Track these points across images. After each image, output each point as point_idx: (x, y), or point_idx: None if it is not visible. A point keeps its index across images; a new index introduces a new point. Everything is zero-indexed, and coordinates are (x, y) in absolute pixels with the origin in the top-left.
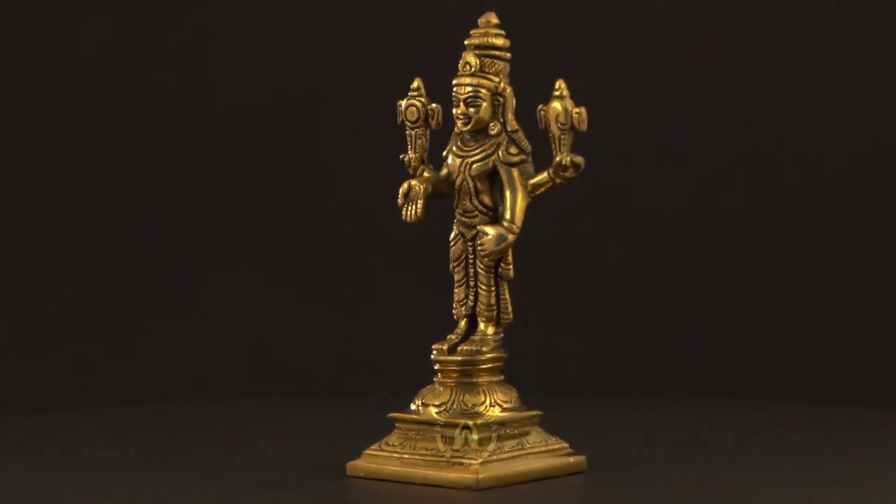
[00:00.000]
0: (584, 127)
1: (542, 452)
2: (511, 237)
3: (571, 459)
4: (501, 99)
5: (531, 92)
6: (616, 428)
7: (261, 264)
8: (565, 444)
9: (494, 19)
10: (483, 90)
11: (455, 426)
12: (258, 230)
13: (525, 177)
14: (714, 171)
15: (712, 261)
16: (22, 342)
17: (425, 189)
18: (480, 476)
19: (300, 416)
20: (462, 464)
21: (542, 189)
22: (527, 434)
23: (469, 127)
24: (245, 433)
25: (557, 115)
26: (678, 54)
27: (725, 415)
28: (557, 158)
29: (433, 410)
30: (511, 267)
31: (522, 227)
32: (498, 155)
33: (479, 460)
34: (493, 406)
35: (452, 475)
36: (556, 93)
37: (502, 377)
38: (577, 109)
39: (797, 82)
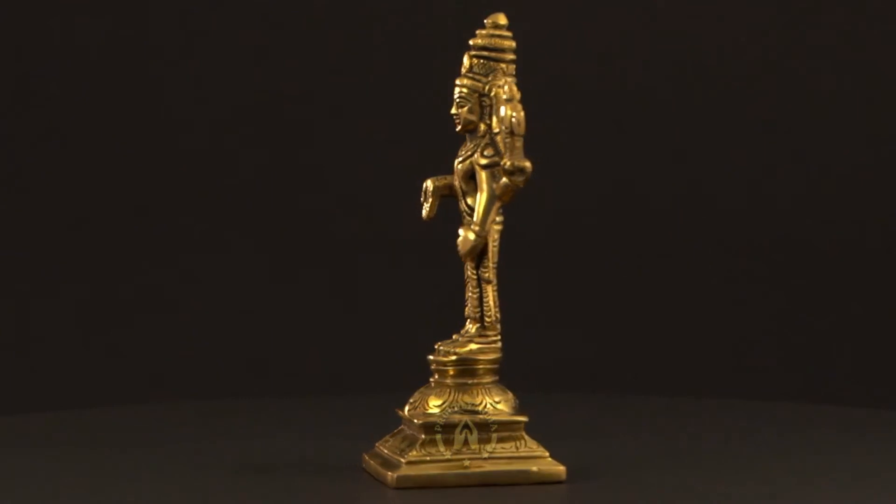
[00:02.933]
0: (520, 131)
1: (503, 459)
2: (476, 239)
3: (535, 468)
4: (487, 101)
5: (534, 92)
6: (612, 429)
7: (261, 264)
8: (545, 453)
9: (501, 20)
10: (470, 91)
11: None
12: (258, 230)
13: (499, 179)
14: (714, 171)
15: (712, 261)
16: (22, 342)
17: (437, 189)
18: (396, 475)
19: (300, 416)
20: (400, 463)
21: (508, 194)
22: (500, 440)
23: (460, 128)
24: (245, 433)
25: (501, 119)
26: (678, 54)
27: (725, 415)
28: (501, 162)
29: (406, 408)
30: (489, 269)
31: (488, 229)
32: (474, 156)
33: (405, 461)
34: (454, 407)
35: (384, 473)
36: (504, 96)
37: (487, 379)
38: (514, 113)
39: (798, 82)
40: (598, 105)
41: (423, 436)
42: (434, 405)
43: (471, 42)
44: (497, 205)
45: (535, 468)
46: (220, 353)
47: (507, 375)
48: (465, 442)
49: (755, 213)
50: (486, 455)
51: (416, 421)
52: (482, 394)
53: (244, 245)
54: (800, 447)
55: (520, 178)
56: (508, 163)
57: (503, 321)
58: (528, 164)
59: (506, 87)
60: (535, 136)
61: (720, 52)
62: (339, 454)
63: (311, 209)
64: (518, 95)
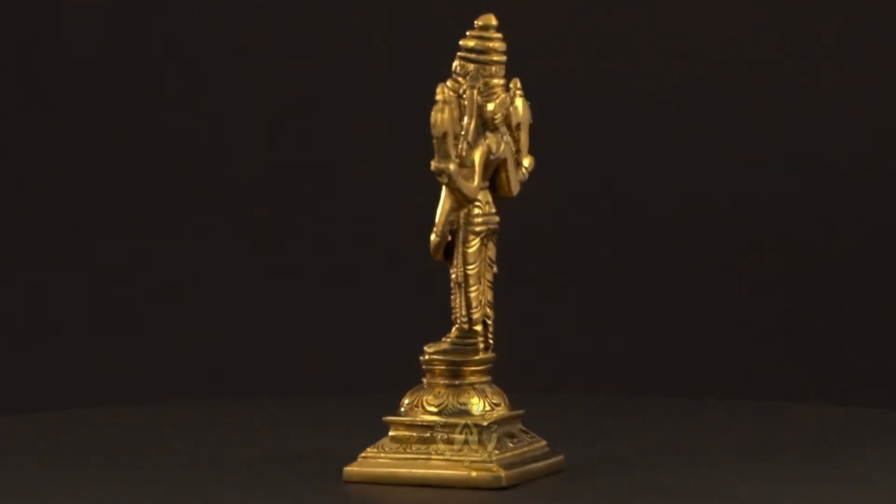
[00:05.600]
0: (433, 133)
1: (447, 460)
2: (434, 239)
3: (473, 473)
4: (463, 101)
5: (534, 92)
6: (612, 429)
7: (261, 264)
8: (491, 458)
9: (485, 22)
10: (451, 92)
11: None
12: (258, 230)
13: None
14: (714, 171)
15: (712, 261)
16: (22, 342)
17: None
18: (346, 469)
19: (300, 416)
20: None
21: (453, 195)
22: (448, 441)
23: None
24: (245, 433)
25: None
26: (678, 54)
27: (725, 415)
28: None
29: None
30: (457, 271)
31: (443, 230)
32: None
33: (360, 456)
34: (417, 407)
35: (353, 469)
36: (437, 98)
37: (462, 381)
38: (432, 115)
39: (798, 82)
40: (598, 105)
41: (391, 433)
42: (405, 403)
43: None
44: (454, 205)
45: (473, 473)
46: (220, 353)
47: (507, 376)
48: (426, 442)
49: (755, 213)
50: (435, 455)
51: (383, 419)
52: (450, 395)
53: (244, 245)
54: (800, 447)
55: (443, 180)
56: (432, 164)
57: (500, 322)
58: (443, 167)
59: (437, 91)
60: (535, 136)
61: (720, 52)
62: (339, 454)
63: (311, 209)
64: (449, 96)
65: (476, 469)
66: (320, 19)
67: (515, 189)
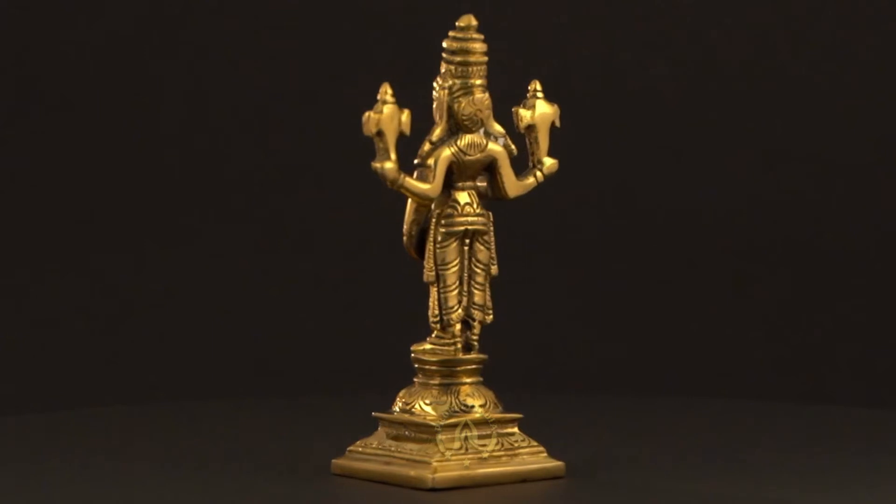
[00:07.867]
0: (363, 131)
1: (400, 458)
2: (403, 237)
3: (412, 472)
4: (437, 101)
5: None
6: (613, 429)
7: (261, 264)
8: (432, 461)
9: (470, 22)
10: (434, 91)
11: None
12: (256, 230)
13: (421, 181)
14: (712, 171)
15: (712, 261)
16: (21, 342)
17: None
18: (333, 461)
19: (300, 416)
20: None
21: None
22: (403, 438)
23: None
24: (244, 433)
25: None
26: (678, 54)
27: (725, 415)
28: None
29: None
30: (427, 270)
31: (407, 228)
32: None
33: (347, 450)
34: (399, 405)
35: (337, 462)
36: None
37: (437, 381)
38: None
39: (797, 82)
40: (598, 105)
41: (379, 429)
42: (396, 402)
43: None
44: (413, 206)
45: (412, 472)
46: (220, 353)
47: (507, 376)
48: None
49: (756, 212)
50: (396, 454)
51: (372, 414)
52: (423, 395)
53: (244, 244)
54: (800, 447)
55: (382, 179)
56: (372, 164)
57: (500, 323)
58: (378, 166)
59: (380, 90)
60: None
61: (720, 53)
62: (339, 453)
63: (310, 209)
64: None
65: (416, 469)
66: (320, 19)
67: (512, 191)
